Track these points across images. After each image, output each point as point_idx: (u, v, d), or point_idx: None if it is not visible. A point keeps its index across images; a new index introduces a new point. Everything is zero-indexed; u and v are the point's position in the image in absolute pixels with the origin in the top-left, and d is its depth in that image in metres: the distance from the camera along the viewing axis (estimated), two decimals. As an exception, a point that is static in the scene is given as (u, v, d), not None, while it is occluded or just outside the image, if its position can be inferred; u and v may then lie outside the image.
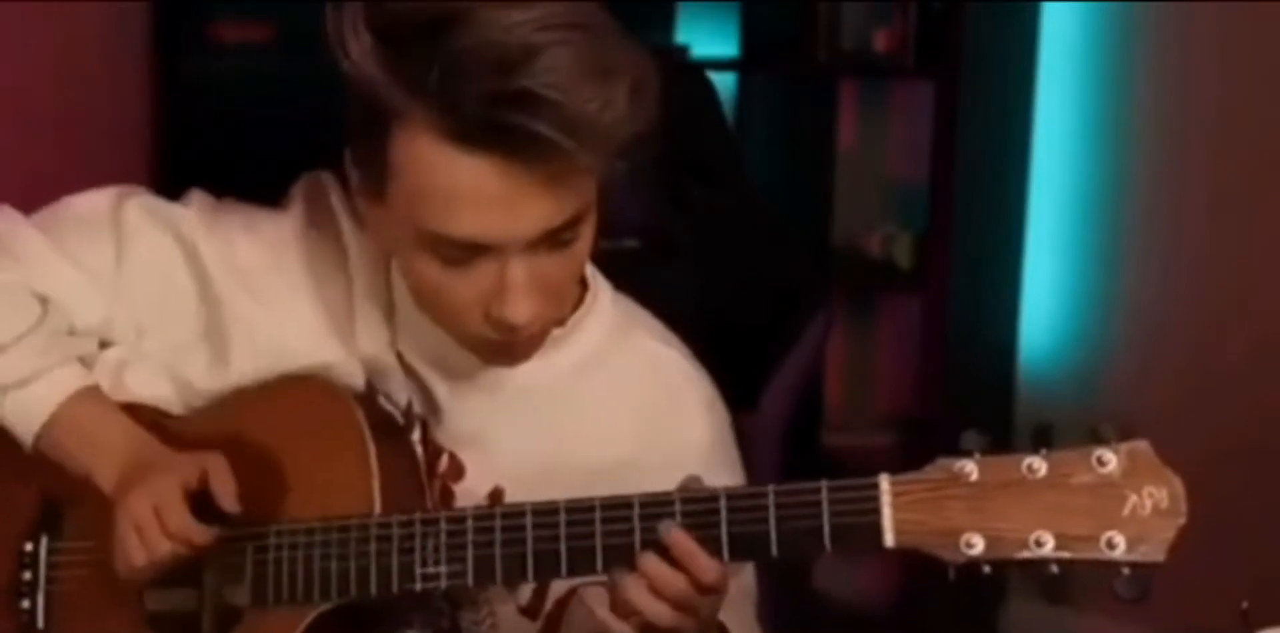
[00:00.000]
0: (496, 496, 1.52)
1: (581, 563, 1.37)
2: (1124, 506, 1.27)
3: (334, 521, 1.44)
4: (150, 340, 1.58)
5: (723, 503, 1.34)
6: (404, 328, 1.54)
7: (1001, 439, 1.31)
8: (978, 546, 1.28)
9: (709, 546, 1.33)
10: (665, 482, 1.38)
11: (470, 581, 1.40)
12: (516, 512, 1.39)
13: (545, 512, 1.38)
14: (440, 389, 1.54)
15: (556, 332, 1.52)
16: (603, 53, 1.35)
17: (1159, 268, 3.66)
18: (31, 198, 1.68)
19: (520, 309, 1.39)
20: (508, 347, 1.47)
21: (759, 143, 4.03)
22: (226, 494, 1.45)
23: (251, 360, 1.54)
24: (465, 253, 1.38)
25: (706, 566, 1.34)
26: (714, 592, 1.36)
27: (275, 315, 1.55)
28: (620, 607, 1.37)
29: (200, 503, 1.45)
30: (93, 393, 1.55)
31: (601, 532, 1.36)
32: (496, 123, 1.32)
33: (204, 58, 3.71)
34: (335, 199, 1.56)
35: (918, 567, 1.30)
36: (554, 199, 1.36)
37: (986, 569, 1.29)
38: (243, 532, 1.47)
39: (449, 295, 1.42)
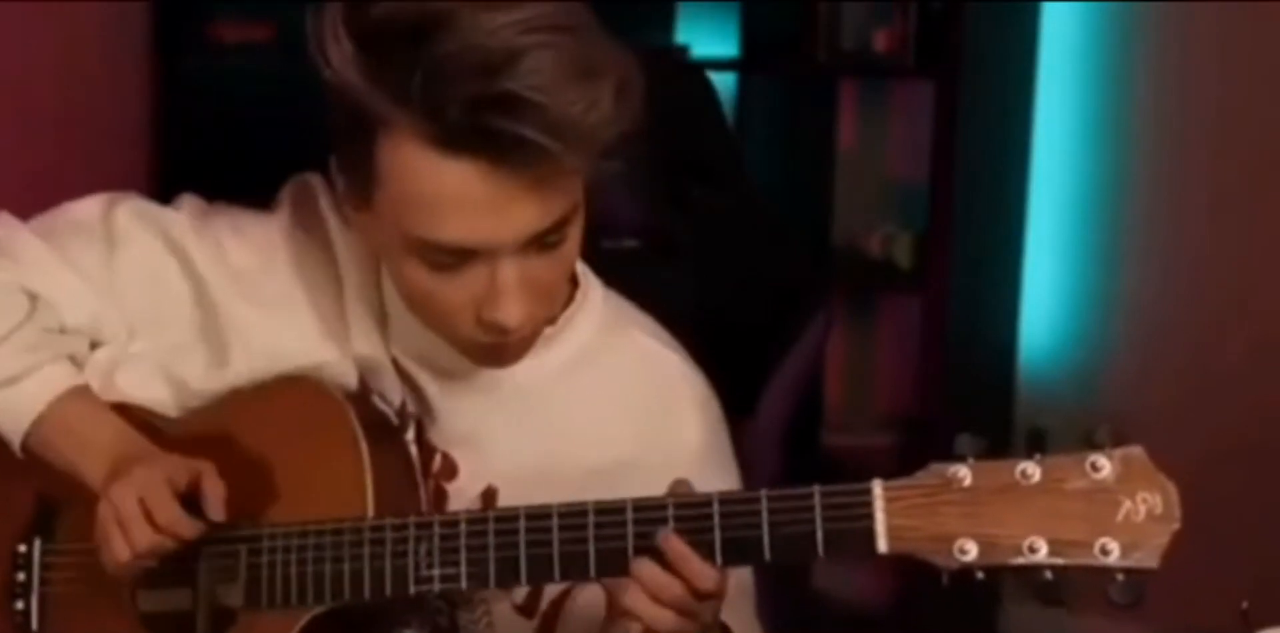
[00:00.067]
0: (489, 495, 1.52)
1: (574, 567, 1.36)
2: (1118, 511, 1.27)
3: (328, 523, 1.44)
4: (143, 342, 1.58)
5: (716, 508, 1.34)
6: (395, 329, 1.54)
7: (1001, 439, 1.31)
8: (971, 552, 1.28)
9: (702, 550, 1.33)
10: (659, 481, 1.38)
11: (464, 584, 1.40)
12: (510, 516, 1.39)
13: (538, 516, 1.37)
14: (432, 389, 1.54)
15: (547, 330, 1.52)
16: (587, 54, 1.34)
17: (1159, 268, 3.66)
18: (31, 197, 1.68)
19: (512, 312, 1.39)
20: (499, 349, 1.47)
21: (759, 143, 4.03)
22: (216, 500, 1.44)
23: (247, 362, 1.55)
24: (454, 258, 1.38)
25: (701, 571, 1.34)
26: (712, 597, 1.36)
27: (268, 317, 1.55)
28: (620, 612, 1.37)
29: (185, 507, 1.45)
30: (83, 392, 1.55)
31: (594, 536, 1.35)
32: (481, 127, 1.31)
33: (204, 58, 3.71)
34: (323, 201, 1.56)
35: (916, 568, 1.30)
36: (541, 202, 1.36)
37: (980, 575, 1.28)
38: (236, 533, 1.47)
39: (439, 300, 1.42)
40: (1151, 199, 3.66)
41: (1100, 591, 1.28)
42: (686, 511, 1.34)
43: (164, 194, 1.66)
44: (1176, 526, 1.27)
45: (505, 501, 1.51)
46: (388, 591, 1.41)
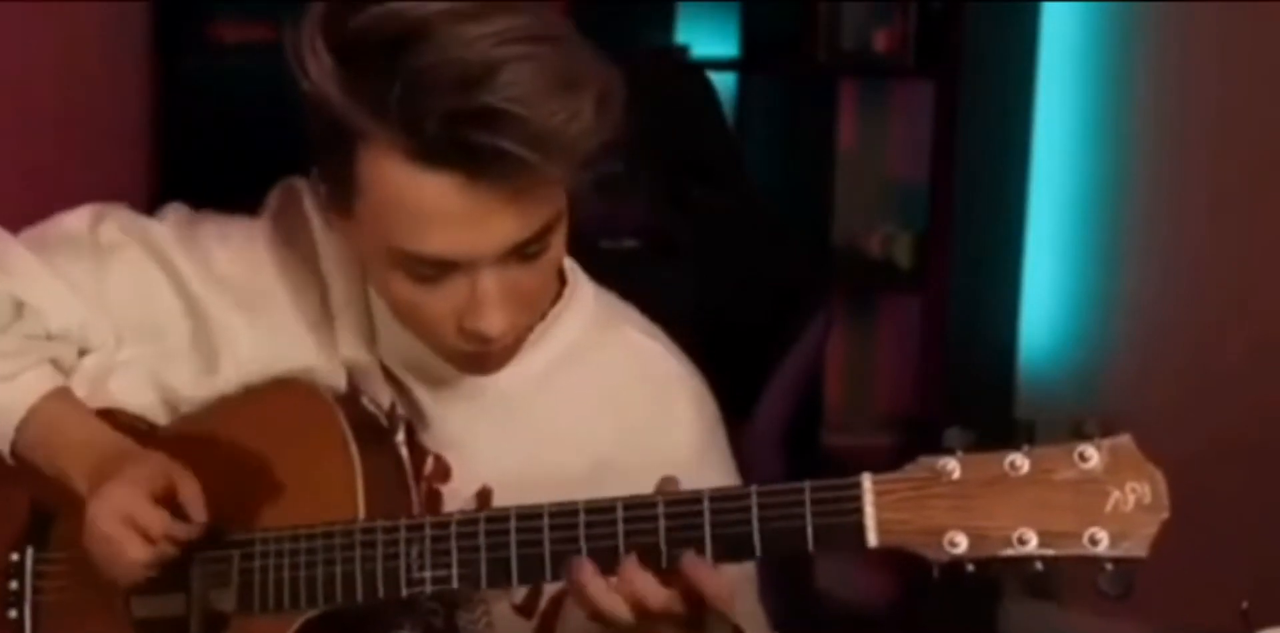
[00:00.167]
0: (484, 495, 1.52)
1: (567, 566, 1.37)
2: (1107, 501, 1.27)
3: (319, 527, 1.44)
4: (132, 350, 1.58)
5: (706, 505, 1.34)
6: (383, 334, 1.54)
7: (1002, 439, 1.31)
8: (961, 544, 1.28)
9: (693, 547, 1.33)
10: (656, 478, 1.38)
11: (455, 585, 1.40)
12: (501, 516, 1.39)
13: (529, 516, 1.37)
14: (421, 393, 1.54)
15: (535, 328, 1.52)
16: (566, 64, 1.34)
17: (1159, 268, 3.67)
18: (31, 197, 1.69)
19: (493, 321, 1.39)
20: (483, 357, 1.47)
21: (759, 143, 4.04)
22: (193, 501, 1.44)
23: (236, 369, 1.55)
24: (435, 269, 1.38)
25: (644, 589, 1.33)
26: (667, 616, 1.35)
27: (256, 324, 1.55)
28: (571, 591, 1.37)
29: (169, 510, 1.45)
30: (65, 394, 1.55)
31: (585, 536, 1.35)
32: (460, 140, 1.30)
33: (204, 58, 3.71)
34: (309, 206, 1.56)
35: (917, 566, 1.31)
36: (521, 214, 1.35)
37: (970, 568, 1.29)
38: (228, 538, 1.47)
39: (422, 310, 1.42)
40: (1151, 199, 3.67)
41: (1093, 584, 1.28)
42: (676, 508, 1.34)
43: (164, 194, 1.66)
44: (1165, 515, 1.27)
45: (500, 501, 1.51)
46: (380, 593, 1.41)
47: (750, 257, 3.30)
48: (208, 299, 1.56)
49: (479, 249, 1.36)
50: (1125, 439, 1.28)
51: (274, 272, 1.57)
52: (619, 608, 1.34)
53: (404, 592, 1.41)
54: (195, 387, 1.56)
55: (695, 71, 3.56)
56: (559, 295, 1.54)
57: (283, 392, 1.53)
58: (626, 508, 1.35)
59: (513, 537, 1.37)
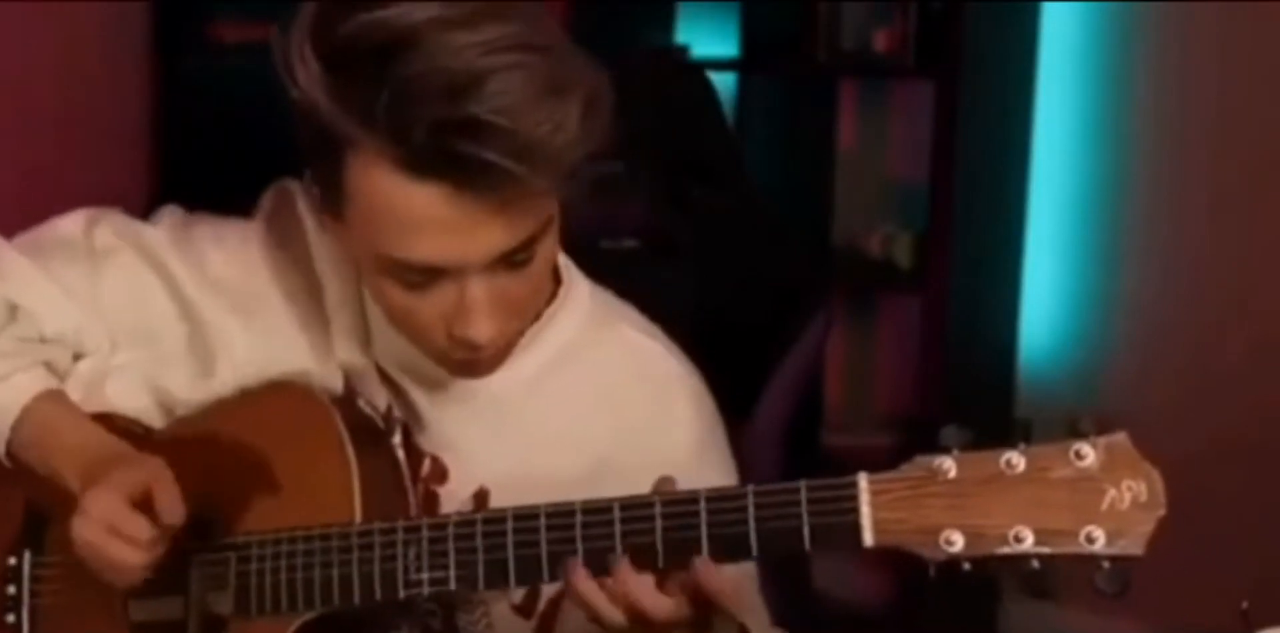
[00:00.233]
0: (481, 497, 1.52)
1: (563, 568, 1.37)
2: (1103, 499, 1.27)
3: (316, 529, 1.44)
4: (127, 354, 1.58)
5: (703, 505, 1.34)
6: (377, 336, 1.54)
7: (1002, 439, 1.31)
8: (957, 543, 1.28)
9: (689, 547, 1.33)
10: (654, 477, 1.38)
11: (453, 587, 1.40)
12: (498, 518, 1.39)
13: (526, 517, 1.37)
14: (417, 395, 1.54)
15: (530, 328, 1.52)
16: (555, 73, 1.33)
17: (1159, 268, 3.67)
18: (31, 197, 1.69)
19: (481, 329, 1.39)
20: (473, 362, 1.47)
21: (759, 143, 4.04)
22: (168, 508, 1.42)
23: (232, 371, 1.55)
24: (423, 276, 1.38)
25: (649, 600, 1.34)
26: (669, 626, 1.36)
27: (251, 327, 1.55)
28: (570, 593, 1.37)
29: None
30: (59, 396, 1.55)
31: (582, 536, 1.35)
32: (446, 151, 1.30)
33: (204, 58, 3.71)
34: (303, 208, 1.56)
35: (914, 566, 1.31)
36: (508, 223, 1.35)
37: (967, 566, 1.29)
38: (226, 541, 1.47)
39: (412, 316, 1.43)
40: (1151, 199, 3.67)
41: (1090, 583, 1.28)
42: (673, 508, 1.34)
43: (164, 194, 1.66)
44: (1162, 512, 1.27)
45: (498, 502, 1.51)
46: (377, 595, 1.41)
47: (750, 257, 3.30)
48: (202, 303, 1.56)
49: (466, 257, 1.36)
50: (1121, 437, 1.28)
51: (269, 274, 1.57)
52: (612, 611, 1.35)
53: (401, 594, 1.41)
54: (191, 390, 1.56)
55: (695, 71, 3.56)
56: (554, 295, 1.54)
57: (279, 394, 1.53)
58: (623, 508, 1.35)
59: (510, 538, 1.37)
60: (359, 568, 1.42)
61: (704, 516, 1.33)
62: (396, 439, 1.53)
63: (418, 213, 1.34)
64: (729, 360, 1.70)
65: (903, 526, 1.29)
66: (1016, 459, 1.29)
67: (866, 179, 4.06)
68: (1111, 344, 3.74)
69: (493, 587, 1.42)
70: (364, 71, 1.31)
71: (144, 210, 1.65)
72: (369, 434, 1.51)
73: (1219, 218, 3.56)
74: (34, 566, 1.57)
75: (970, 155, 3.63)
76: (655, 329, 1.61)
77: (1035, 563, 1.28)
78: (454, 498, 1.52)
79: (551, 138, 1.32)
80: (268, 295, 1.56)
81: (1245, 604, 1.40)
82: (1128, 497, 1.27)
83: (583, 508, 1.36)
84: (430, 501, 1.53)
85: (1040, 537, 1.27)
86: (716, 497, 1.34)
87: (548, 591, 1.53)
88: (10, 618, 1.57)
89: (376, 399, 1.55)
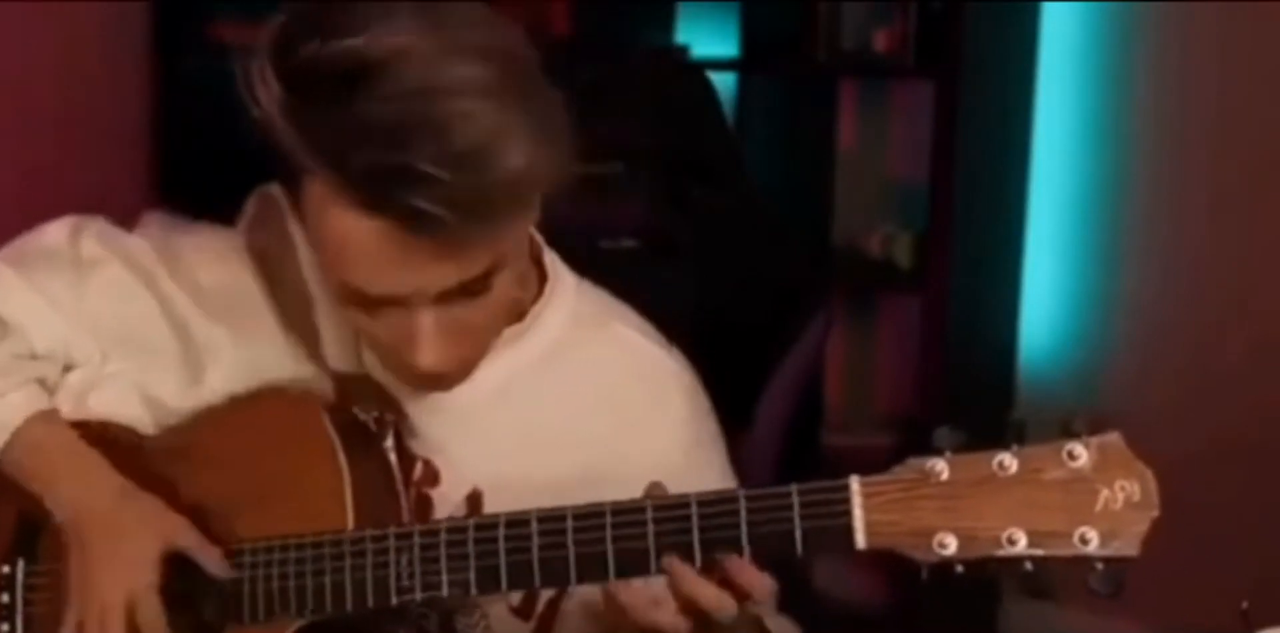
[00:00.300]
0: (475, 498, 1.52)
1: (554, 574, 1.36)
2: (1096, 500, 1.27)
3: (308, 536, 1.44)
4: (116, 364, 1.57)
5: (694, 509, 1.33)
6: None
7: (995, 440, 1.31)
8: (950, 545, 1.28)
9: (681, 552, 1.33)
10: (648, 474, 1.38)
11: (445, 593, 1.39)
12: (489, 524, 1.39)
13: (517, 523, 1.37)
14: (407, 399, 1.53)
15: (514, 328, 1.51)
16: (506, 119, 1.30)
17: (1159, 268, 3.67)
18: (31, 197, 1.69)
19: (427, 358, 1.39)
20: (434, 378, 1.46)
21: (759, 143, 4.03)
22: (213, 561, 1.45)
23: (222, 379, 1.55)
24: (374, 300, 1.37)
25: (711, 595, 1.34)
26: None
27: (239, 334, 1.55)
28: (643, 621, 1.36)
29: (174, 561, 1.46)
30: (50, 417, 1.55)
31: (573, 541, 1.35)
32: (379, 194, 1.29)
33: (204, 58, 3.70)
34: (288, 214, 1.55)
35: (897, 563, 1.31)
36: (453, 261, 1.34)
37: (960, 569, 1.29)
38: (219, 549, 1.47)
39: (369, 335, 1.43)
40: (1151, 199, 3.66)
41: (1084, 584, 1.28)
42: (664, 513, 1.34)
43: (164, 194, 1.66)
44: (1155, 513, 1.27)
45: (491, 503, 1.50)
46: (369, 602, 1.41)
47: (750, 257, 3.29)
48: (189, 311, 1.56)
49: (408, 288, 1.35)
50: (1114, 437, 1.28)
51: (256, 282, 1.56)
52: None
53: (394, 601, 1.41)
54: (181, 398, 1.56)
55: (695, 71, 3.55)
56: (539, 293, 1.54)
57: (269, 401, 1.52)
58: (615, 514, 1.35)
59: (501, 544, 1.37)
60: (351, 575, 1.41)
61: (696, 520, 1.33)
62: (388, 444, 1.53)
63: (361, 244, 1.33)
64: (729, 361, 1.70)
65: (895, 528, 1.29)
66: (1009, 461, 1.29)
67: (866, 179, 4.06)
68: (1111, 344, 3.74)
69: (485, 593, 1.41)
70: (319, 98, 1.30)
71: (144, 210, 1.65)
72: (361, 439, 1.50)
73: (1219, 218, 3.56)
74: (27, 574, 1.57)
75: (970, 155, 3.63)
76: (650, 327, 1.61)
77: (1029, 565, 1.27)
78: (447, 501, 1.52)
79: (492, 187, 1.30)
80: (255, 303, 1.56)
81: (1245, 604, 1.40)
82: (1121, 497, 1.27)
83: (574, 514, 1.36)
84: (424, 504, 1.52)
85: (1033, 539, 1.27)
86: (708, 501, 1.33)
87: (546, 592, 1.53)
88: (4, 627, 1.56)
89: (368, 404, 1.54)
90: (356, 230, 1.32)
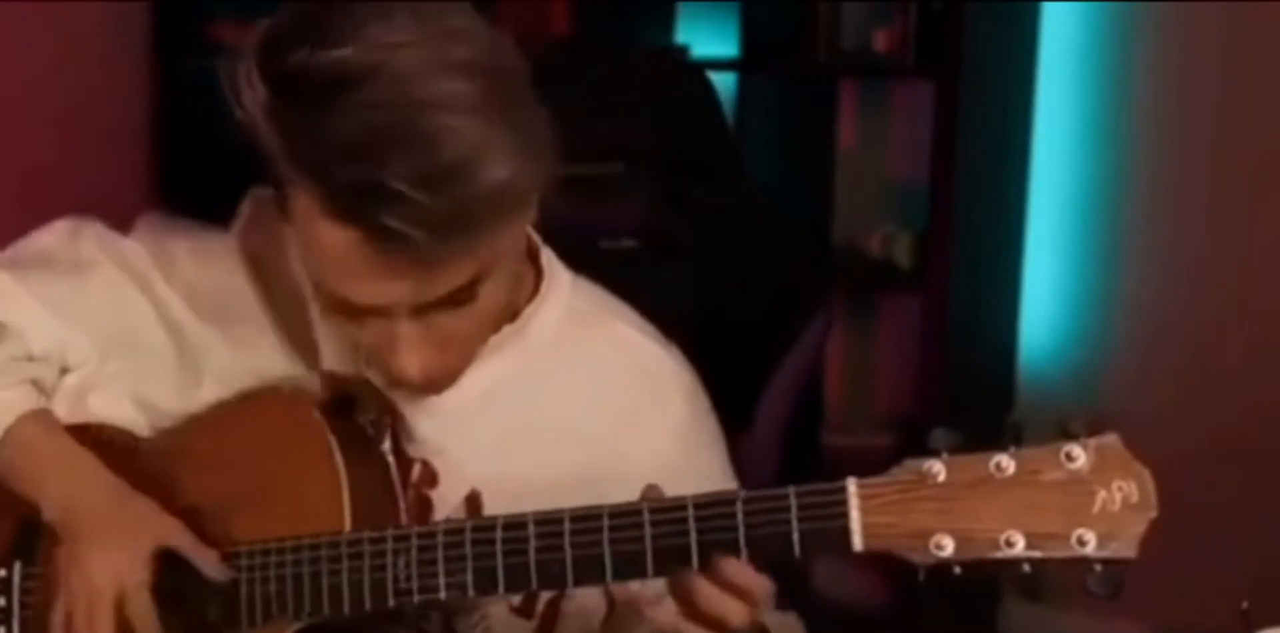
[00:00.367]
0: (474, 499, 1.52)
1: (551, 576, 1.36)
2: (1094, 502, 1.27)
3: (306, 539, 1.43)
4: (113, 366, 1.57)
5: (691, 512, 1.33)
6: None
7: (996, 440, 1.31)
8: (948, 547, 1.28)
9: (677, 554, 1.33)
10: (646, 477, 1.37)
11: (442, 595, 1.39)
12: (487, 526, 1.38)
13: (514, 526, 1.37)
14: (403, 401, 1.53)
15: (509, 327, 1.51)
16: (487, 136, 1.29)
17: (1159, 268, 3.67)
18: (31, 197, 1.68)
19: (411, 367, 1.38)
20: (420, 385, 1.45)
21: (759, 143, 4.03)
22: (209, 563, 1.45)
23: (218, 382, 1.55)
24: (357, 309, 1.37)
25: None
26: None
27: (235, 337, 1.55)
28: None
29: (166, 560, 1.46)
30: (44, 416, 1.55)
31: (570, 544, 1.35)
32: (353, 209, 1.29)
33: (204, 58, 3.70)
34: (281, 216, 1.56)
35: (894, 565, 1.31)
36: (434, 274, 1.33)
37: (957, 570, 1.28)
38: (215, 552, 1.47)
39: (355, 340, 1.43)
40: (1151, 199, 3.66)
41: (1082, 585, 1.28)
42: (661, 515, 1.34)
43: (164, 194, 1.66)
44: (1153, 514, 1.26)
45: (490, 504, 1.50)
46: (367, 604, 1.41)
47: (750, 257, 3.29)
48: (185, 314, 1.56)
49: (387, 299, 1.35)
50: (1112, 438, 1.28)
51: (251, 285, 1.56)
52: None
53: (391, 603, 1.40)
54: (177, 401, 1.56)
55: (695, 71, 3.55)
56: (534, 292, 1.53)
57: (266, 403, 1.52)
58: (612, 516, 1.35)
59: (499, 547, 1.37)
60: (348, 577, 1.41)
61: (693, 522, 1.33)
62: (386, 445, 1.53)
63: (342, 254, 1.32)
64: (729, 361, 1.70)
65: (892, 530, 1.29)
66: (1006, 462, 1.28)
67: (866, 179, 4.06)
68: (1111, 344, 3.74)
69: (482, 595, 1.41)
70: (303, 106, 1.29)
71: (144, 210, 1.65)
72: (358, 441, 1.50)
73: (1219, 218, 3.56)
74: (24, 577, 1.56)
75: (970, 155, 3.63)
76: (648, 325, 1.60)
77: (1026, 567, 1.27)
78: (446, 502, 1.52)
79: (471, 204, 1.29)
80: (250, 306, 1.55)
81: (1245, 604, 1.40)
82: (1119, 498, 1.27)
83: (571, 516, 1.36)
84: (423, 505, 1.52)
85: (1031, 540, 1.27)
86: (705, 503, 1.33)
87: (545, 592, 1.53)
88: (1, 630, 1.57)
89: (365, 406, 1.54)
90: (337, 240, 1.31)
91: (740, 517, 1.32)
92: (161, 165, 3.74)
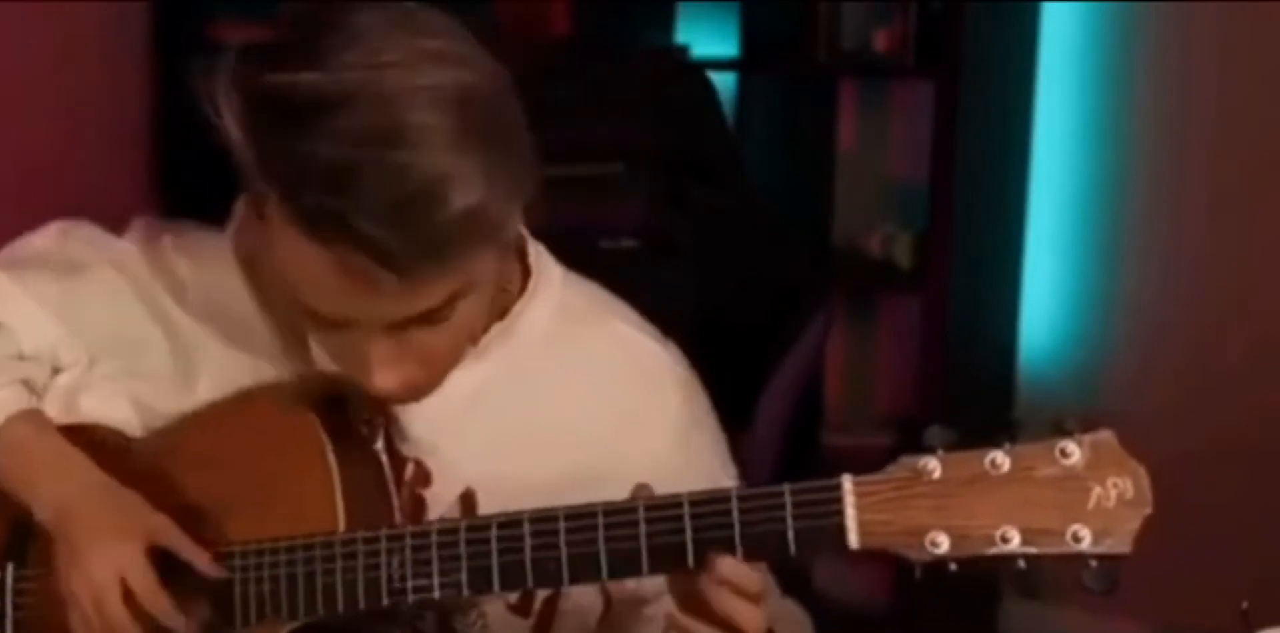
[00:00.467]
0: (468, 498, 1.52)
1: (547, 574, 1.36)
2: (1089, 498, 1.27)
3: (299, 538, 1.43)
4: (105, 367, 1.57)
5: (686, 509, 1.33)
6: None
7: (991, 438, 1.31)
8: (943, 544, 1.28)
9: (673, 552, 1.33)
10: (643, 474, 1.37)
11: (437, 595, 1.39)
12: (482, 525, 1.38)
13: (509, 524, 1.37)
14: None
15: (498, 325, 1.51)
16: (460, 160, 1.28)
17: (1159, 268, 3.67)
18: (31, 197, 1.68)
19: (379, 382, 1.38)
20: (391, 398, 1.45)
21: (759, 143, 4.03)
22: (201, 560, 1.44)
23: (211, 382, 1.54)
24: (327, 321, 1.36)
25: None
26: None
27: (229, 338, 1.55)
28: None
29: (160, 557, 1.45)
30: (35, 416, 1.54)
31: (566, 542, 1.35)
32: (322, 233, 1.28)
33: (204, 58, 3.70)
34: None
35: (903, 567, 1.31)
36: (405, 296, 1.32)
37: (953, 567, 1.29)
38: (210, 552, 1.46)
39: (329, 351, 1.43)
40: (1151, 199, 3.67)
41: (1078, 581, 1.28)
42: (657, 513, 1.34)
43: (164, 194, 1.66)
44: (1148, 510, 1.27)
45: (485, 503, 1.50)
46: (361, 604, 1.40)
47: (750, 257, 3.29)
48: (178, 316, 1.55)
49: (359, 316, 1.34)
50: (1106, 435, 1.28)
51: (244, 286, 1.55)
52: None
53: (385, 602, 1.40)
54: (170, 402, 1.55)
55: (695, 71, 3.55)
56: (523, 290, 1.53)
57: (259, 402, 1.52)
58: (607, 514, 1.34)
59: (494, 545, 1.37)
60: (343, 577, 1.41)
61: (688, 520, 1.33)
62: (379, 445, 1.53)
63: (311, 268, 1.32)
64: (729, 361, 1.70)
65: (888, 528, 1.29)
66: (1001, 459, 1.29)
67: (866, 179, 4.06)
68: (1111, 344, 3.74)
69: (477, 594, 1.41)
70: (277, 125, 1.28)
71: (144, 210, 1.65)
72: (352, 441, 1.49)
73: (1219, 218, 3.56)
74: (17, 579, 1.56)
75: (970, 155, 3.63)
76: (644, 322, 1.60)
77: (1022, 563, 1.28)
78: (440, 501, 1.52)
79: (439, 232, 1.28)
80: (243, 307, 1.55)
81: (1245, 604, 1.40)
82: (1114, 494, 1.27)
83: (566, 514, 1.35)
84: (417, 505, 1.52)
85: (1026, 537, 1.27)
86: (700, 501, 1.33)
87: (542, 590, 1.53)
88: None
89: (359, 406, 1.54)
90: (304, 252, 1.31)
91: (735, 514, 1.32)
92: (161, 165, 3.74)
